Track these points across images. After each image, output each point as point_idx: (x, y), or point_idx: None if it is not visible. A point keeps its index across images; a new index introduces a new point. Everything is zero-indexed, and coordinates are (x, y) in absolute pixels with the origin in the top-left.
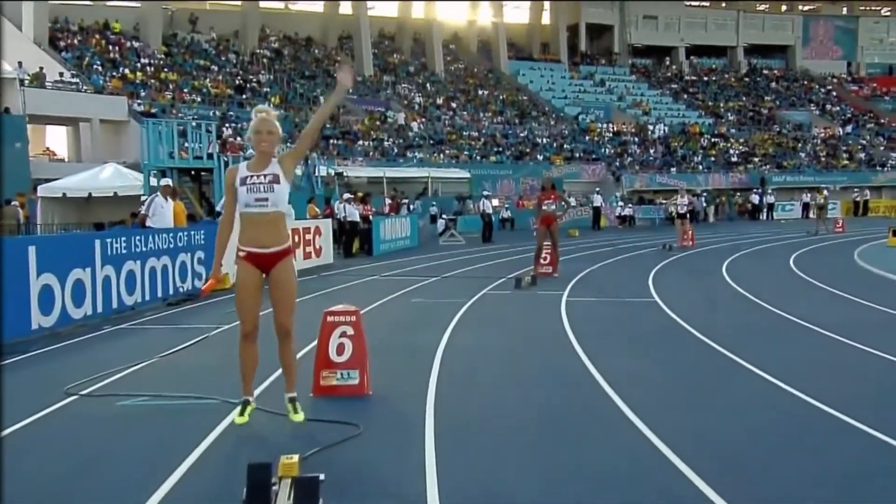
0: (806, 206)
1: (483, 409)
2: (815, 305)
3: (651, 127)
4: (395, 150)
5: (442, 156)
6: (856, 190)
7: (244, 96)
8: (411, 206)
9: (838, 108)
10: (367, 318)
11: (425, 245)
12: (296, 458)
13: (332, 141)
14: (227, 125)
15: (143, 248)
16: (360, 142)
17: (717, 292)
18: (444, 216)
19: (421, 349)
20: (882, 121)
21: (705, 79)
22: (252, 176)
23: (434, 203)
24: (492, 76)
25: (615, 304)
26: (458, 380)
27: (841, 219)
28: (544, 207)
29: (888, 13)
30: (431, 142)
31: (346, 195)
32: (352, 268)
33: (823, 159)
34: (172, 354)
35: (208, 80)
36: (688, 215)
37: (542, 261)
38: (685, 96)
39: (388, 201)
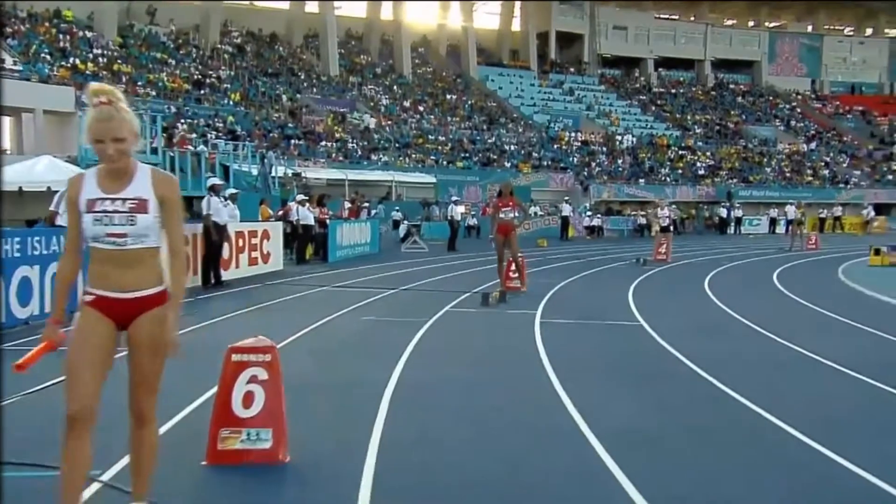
0: (773, 221)
1: (442, 489)
2: (824, 336)
3: (619, 137)
4: (359, 153)
5: (407, 160)
6: (822, 209)
7: (202, 92)
8: (373, 211)
9: (802, 124)
10: (303, 343)
11: (386, 252)
12: None
13: (293, 141)
14: (182, 121)
15: (44, 252)
16: (323, 143)
17: (708, 316)
18: (407, 222)
19: (364, 389)
20: (845, 139)
21: (673, 91)
22: (103, 200)
23: (397, 208)
24: (460, 81)
25: (596, 329)
26: (408, 440)
27: (814, 235)
28: (501, 216)
29: (851, 33)
30: (397, 145)
31: (300, 196)
32: (302, 276)
33: (788, 175)
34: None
35: (165, 73)
36: (670, 228)
37: (511, 274)
38: (653, 108)
39: (347, 205)
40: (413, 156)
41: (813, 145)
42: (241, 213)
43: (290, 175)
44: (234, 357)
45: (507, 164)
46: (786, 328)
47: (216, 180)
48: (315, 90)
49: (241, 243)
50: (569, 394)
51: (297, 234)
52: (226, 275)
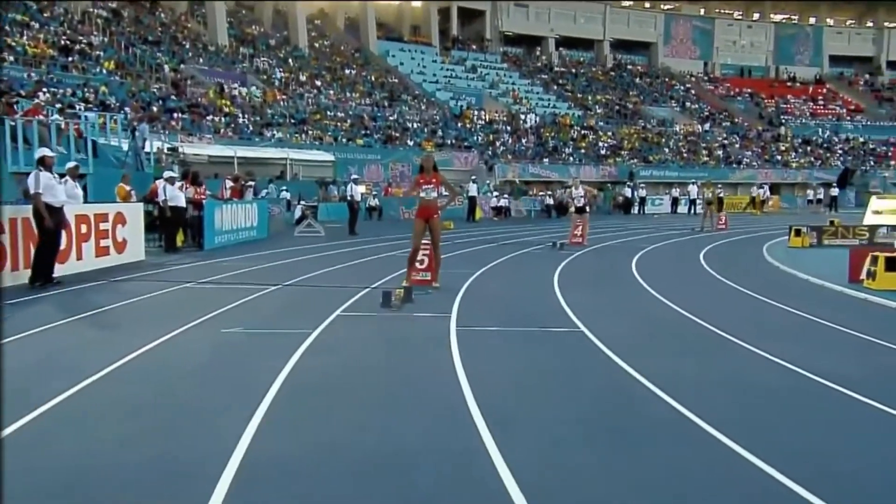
0: (675, 201)
1: None
2: (800, 342)
3: (523, 116)
4: (251, 128)
5: (304, 136)
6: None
7: (70, 59)
8: (265, 191)
9: (697, 106)
10: (114, 383)
11: (276, 237)
12: None
13: (175, 114)
14: (44, 89)
15: None
16: (210, 117)
17: (654, 315)
18: (302, 203)
19: (186, 482)
20: (736, 120)
21: (573, 71)
22: None
23: (285, 188)
24: (360, 56)
25: (530, 340)
26: None
27: (724, 216)
28: (423, 194)
29: (740, 17)
30: (293, 121)
31: (168, 173)
32: (165, 269)
33: (686, 155)
34: None
35: (26, 38)
36: (586, 209)
37: (417, 265)
38: (555, 87)
39: (228, 184)
40: (310, 132)
41: (707, 126)
42: (104, 193)
43: (165, 150)
44: None
45: (410, 143)
46: (746, 329)
47: (46, 152)
48: (201, 60)
49: (84, 229)
50: (511, 465)
51: (164, 217)
52: (63, 269)
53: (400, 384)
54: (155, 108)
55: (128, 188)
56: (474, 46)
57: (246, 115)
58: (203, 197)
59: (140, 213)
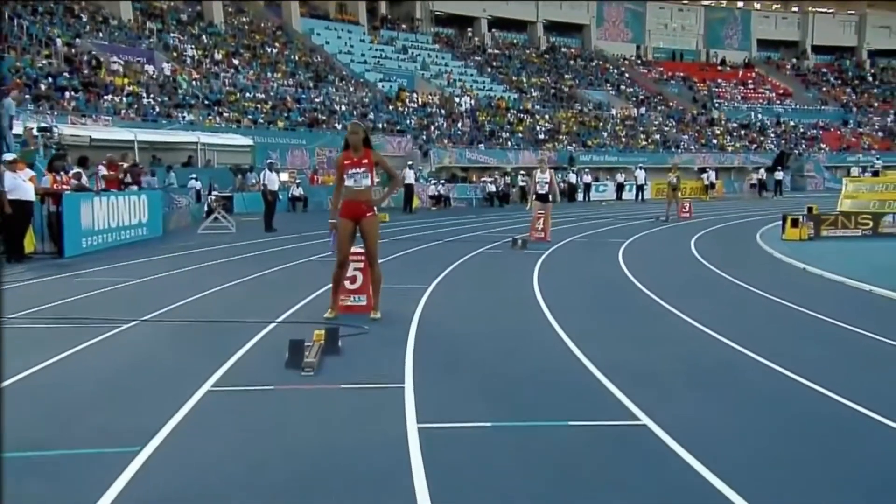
0: (620, 187)
1: None
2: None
3: (457, 99)
4: (157, 110)
5: (219, 119)
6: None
7: None
8: (166, 180)
9: (632, 89)
10: None
11: (175, 235)
12: None
13: (67, 93)
14: None
15: None
16: (110, 97)
17: (717, 359)
18: (213, 193)
19: None
20: (671, 104)
21: (507, 53)
22: None
23: (194, 175)
24: (282, 33)
25: (554, 446)
26: None
27: (688, 203)
28: (349, 182)
29: (670, 0)
30: (206, 102)
31: (8, 156)
32: None
33: (624, 139)
34: None
35: None
36: (549, 197)
37: (347, 284)
38: (489, 69)
39: (102, 171)
40: (225, 114)
41: (643, 110)
42: None
43: (34, 131)
44: None
45: (338, 126)
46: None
47: None
48: (101, 35)
49: None
50: None
51: (4, 214)
52: None
53: None
54: (44, 87)
55: None
56: (404, 26)
57: (152, 96)
58: (65, 188)
59: None
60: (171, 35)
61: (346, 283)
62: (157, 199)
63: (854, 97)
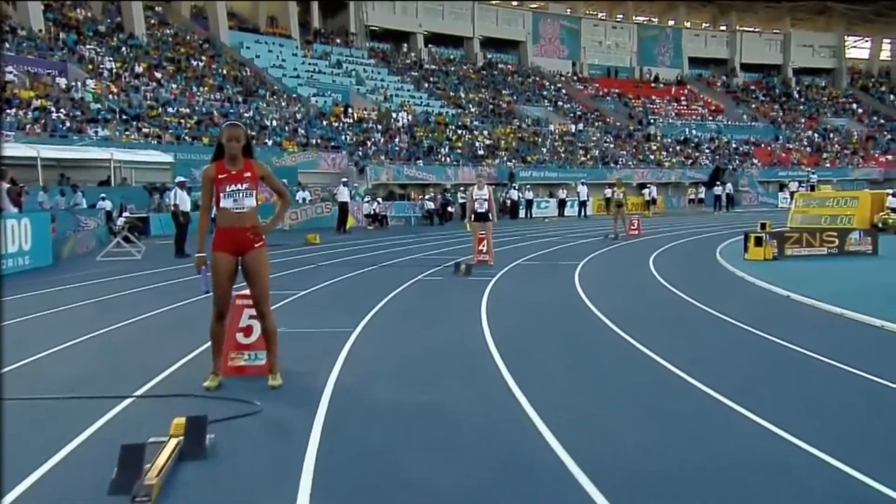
0: (562, 203)
1: None
2: None
3: (394, 115)
4: (68, 125)
5: (137, 134)
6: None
7: None
8: (72, 200)
9: (569, 105)
10: None
11: (70, 263)
12: None
13: None
14: None
15: None
16: (14, 111)
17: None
18: (125, 214)
19: None
20: (608, 120)
21: (444, 69)
22: None
23: (104, 195)
24: (209, 46)
25: None
26: None
27: (636, 219)
28: (225, 203)
29: (604, 17)
30: (124, 116)
31: None
32: None
33: (563, 155)
34: None
35: None
36: (489, 215)
37: (240, 337)
38: (426, 85)
39: None
40: (145, 130)
41: (581, 126)
42: None
43: None
44: None
45: (269, 142)
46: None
47: None
48: (8, 46)
49: None
50: None
51: None
52: None
53: None
54: None
55: None
56: (338, 41)
57: (62, 110)
58: None
59: None
60: (88, 47)
61: (239, 337)
62: (42, 223)
63: (782, 114)
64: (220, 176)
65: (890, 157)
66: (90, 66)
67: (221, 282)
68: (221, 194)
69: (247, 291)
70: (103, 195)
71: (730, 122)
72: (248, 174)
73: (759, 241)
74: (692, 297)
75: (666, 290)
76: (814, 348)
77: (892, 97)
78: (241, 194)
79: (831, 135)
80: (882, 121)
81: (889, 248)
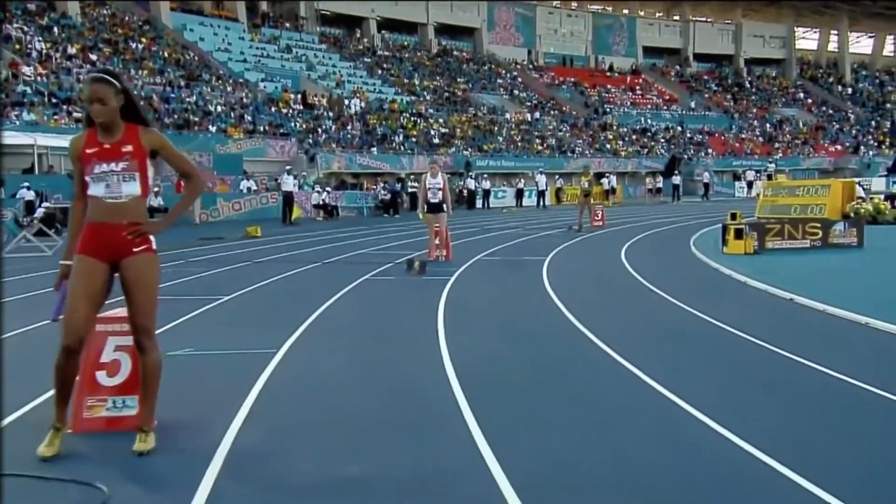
0: (520, 193)
1: None
2: None
3: (346, 101)
4: None
5: (68, 119)
6: (557, 177)
7: None
8: None
9: (525, 94)
10: None
11: None
12: None
13: None
14: None
15: None
16: None
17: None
18: (45, 205)
19: None
20: (564, 109)
21: (398, 55)
22: None
23: (27, 184)
24: (150, 28)
25: None
26: None
27: (600, 210)
28: (99, 192)
29: (559, 6)
30: (53, 100)
31: None
32: None
33: (520, 144)
34: None
35: None
36: (443, 206)
37: (102, 378)
38: (380, 71)
39: None
40: (76, 114)
41: (537, 115)
42: None
43: None
44: None
45: (213, 128)
46: None
47: None
48: None
49: None
50: None
51: None
52: None
53: None
54: None
55: None
56: (288, 25)
57: None
58: None
59: None
60: (15, 26)
61: (100, 377)
62: None
63: (734, 103)
64: (87, 151)
65: (839, 146)
66: (17, 47)
67: (78, 297)
68: (87, 177)
69: (120, 312)
70: (26, 184)
71: (684, 112)
72: (129, 147)
73: (739, 234)
74: (685, 303)
75: (654, 295)
76: (860, 376)
77: (839, 88)
78: (115, 178)
79: (783, 124)
80: (830, 111)
81: (874, 239)
